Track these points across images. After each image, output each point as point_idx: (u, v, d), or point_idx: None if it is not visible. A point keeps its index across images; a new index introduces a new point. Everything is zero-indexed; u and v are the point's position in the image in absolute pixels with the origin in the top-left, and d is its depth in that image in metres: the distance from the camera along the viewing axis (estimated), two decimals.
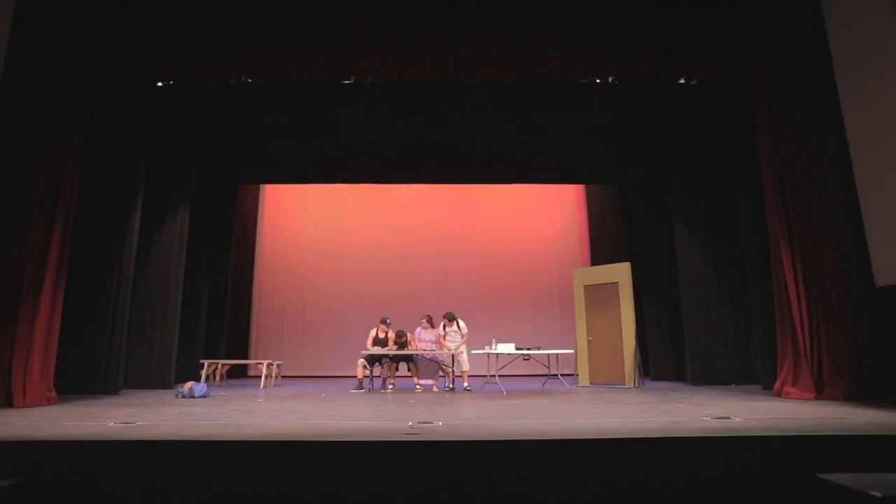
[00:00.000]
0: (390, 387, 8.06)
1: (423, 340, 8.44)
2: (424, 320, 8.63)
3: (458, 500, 3.18)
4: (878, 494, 2.70)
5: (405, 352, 8.30)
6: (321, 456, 3.31)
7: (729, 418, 4.33)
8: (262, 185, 13.04)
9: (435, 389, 8.07)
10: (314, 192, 13.19)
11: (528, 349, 8.13)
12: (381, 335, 8.47)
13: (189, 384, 6.98)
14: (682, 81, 7.17)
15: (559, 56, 6.97)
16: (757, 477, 3.24)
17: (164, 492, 3.21)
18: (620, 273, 9.19)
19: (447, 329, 8.45)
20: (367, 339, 8.56)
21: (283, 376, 10.42)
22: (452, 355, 8.11)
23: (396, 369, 8.43)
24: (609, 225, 12.28)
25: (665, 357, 9.94)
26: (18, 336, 5.83)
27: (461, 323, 8.53)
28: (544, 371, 8.80)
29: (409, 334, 8.60)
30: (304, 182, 11.97)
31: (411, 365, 8.42)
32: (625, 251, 11.17)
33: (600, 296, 9.39)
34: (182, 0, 6.98)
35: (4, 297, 5.89)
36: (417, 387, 8.18)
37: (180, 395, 6.85)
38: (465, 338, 8.42)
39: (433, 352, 8.25)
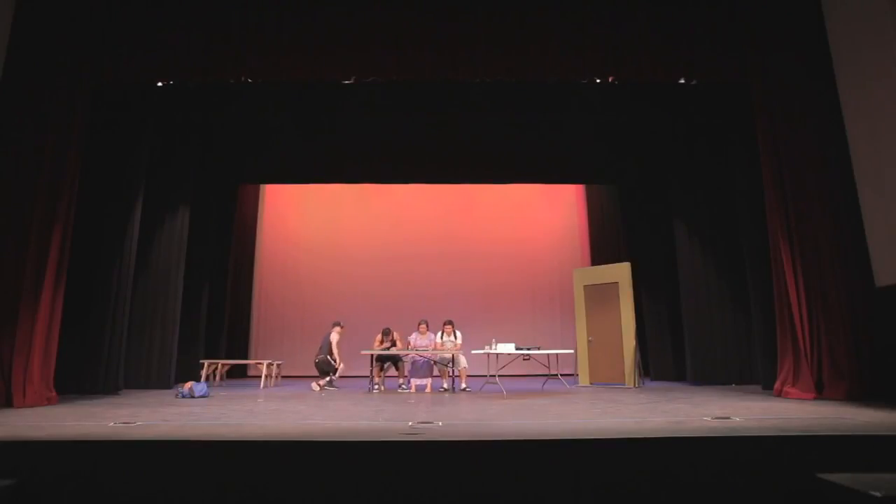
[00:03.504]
0: (376, 388, 8.02)
1: (418, 346, 8.43)
2: (423, 325, 8.64)
3: (459, 500, 3.18)
4: (878, 494, 2.70)
5: (396, 351, 8.31)
6: (321, 456, 3.30)
7: (729, 418, 4.33)
8: (262, 185, 13.04)
9: (429, 390, 8.07)
10: (314, 192, 13.20)
11: (528, 349, 8.12)
12: (387, 344, 8.53)
13: (189, 384, 6.98)
14: (683, 81, 7.17)
15: (559, 56, 6.97)
16: (757, 477, 3.24)
17: (164, 492, 3.21)
18: (620, 273, 9.19)
19: (444, 338, 8.46)
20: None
21: (283, 376, 10.42)
22: (452, 357, 8.10)
23: (381, 369, 8.40)
24: (609, 225, 12.28)
25: (665, 357, 9.94)
26: (18, 336, 5.83)
27: (458, 333, 8.54)
28: (544, 371, 8.80)
29: (395, 332, 8.63)
30: (305, 182, 11.97)
31: (400, 365, 8.45)
32: (625, 251, 11.17)
33: (600, 296, 9.39)
34: (182, 1, 6.97)
35: (4, 297, 5.89)
36: (403, 387, 8.17)
37: (180, 395, 6.85)
38: (457, 347, 8.39)
39: (431, 351, 8.24)
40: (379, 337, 8.59)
